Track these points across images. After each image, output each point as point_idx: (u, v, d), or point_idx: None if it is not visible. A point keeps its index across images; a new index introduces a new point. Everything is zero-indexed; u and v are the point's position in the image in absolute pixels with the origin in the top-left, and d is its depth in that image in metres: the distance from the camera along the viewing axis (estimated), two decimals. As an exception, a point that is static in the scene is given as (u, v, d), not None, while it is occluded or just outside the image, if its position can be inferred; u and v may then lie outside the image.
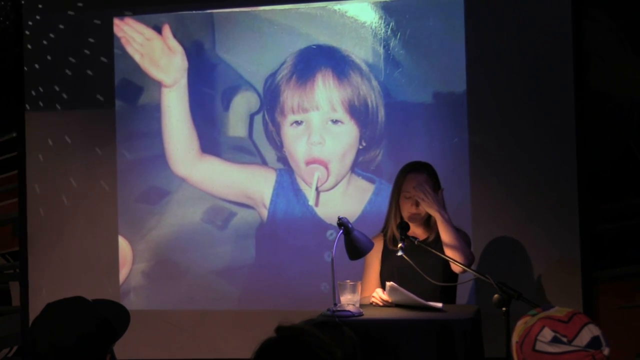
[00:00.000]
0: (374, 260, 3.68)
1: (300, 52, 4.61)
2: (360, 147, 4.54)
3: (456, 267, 3.50)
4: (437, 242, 3.62)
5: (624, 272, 4.28)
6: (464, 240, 3.57)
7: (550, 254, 4.30)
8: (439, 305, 3.33)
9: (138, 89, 4.80)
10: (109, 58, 4.83)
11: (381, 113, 4.51)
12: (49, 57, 4.91)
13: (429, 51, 4.45)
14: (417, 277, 3.43)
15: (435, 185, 3.63)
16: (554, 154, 4.30)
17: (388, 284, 3.39)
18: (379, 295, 3.45)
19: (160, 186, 4.77)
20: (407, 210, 3.60)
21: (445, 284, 3.49)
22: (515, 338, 1.86)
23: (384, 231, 3.70)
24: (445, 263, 3.56)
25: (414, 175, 3.62)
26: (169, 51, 4.76)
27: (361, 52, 4.53)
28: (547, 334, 1.80)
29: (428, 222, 3.66)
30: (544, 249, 4.30)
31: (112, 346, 2.05)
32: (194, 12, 4.75)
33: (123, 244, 4.80)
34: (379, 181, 4.50)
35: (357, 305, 3.31)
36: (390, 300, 3.41)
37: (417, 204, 3.58)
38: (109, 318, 2.03)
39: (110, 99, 4.83)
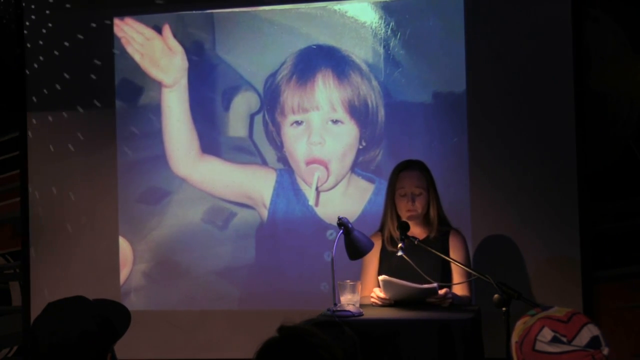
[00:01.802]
0: (372, 259, 3.68)
1: (300, 52, 4.62)
2: (360, 147, 4.54)
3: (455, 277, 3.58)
4: (437, 241, 3.62)
5: (624, 272, 4.28)
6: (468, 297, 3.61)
7: (550, 254, 4.30)
8: (435, 285, 3.35)
9: (138, 89, 4.81)
10: (109, 58, 4.83)
11: (381, 113, 4.51)
12: (49, 57, 4.91)
13: (429, 51, 4.46)
14: (417, 276, 3.43)
15: (428, 182, 3.64)
16: (554, 154, 4.30)
17: (380, 278, 3.39)
18: (376, 294, 3.46)
19: (160, 186, 4.77)
20: (403, 207, 3.61)
21: (445, 283, 3.49)
22: (514, 338, 1.87)
23: (382, 231, 3.70)
24: (445, 262, 3.57)
25: (407, 173, 3.64)
26: (169, 51, 4.76)
27: (361, 52, 4.53)
28: (547, 333, 1.80)
29: (427, 220, 3.66)
30: (544, 248, 4.30)
31: (113, 346, 2.05)
32: (194, 12, 4.75)
33: (123, 244, 4.81)
34: (379, 181, 4.50)
35: (357, 305, 3.32)
36: (387, 297, 3.41)
37: (413, 201, 3.59)
38: (110, 317, 2.03)
39: (111, 99, 4.83)
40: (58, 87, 4.90)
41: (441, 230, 3.66)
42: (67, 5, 4.89)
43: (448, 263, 3.57)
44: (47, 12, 4.91)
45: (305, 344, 1.59)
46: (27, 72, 4.94)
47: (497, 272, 3.54)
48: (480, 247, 4.33)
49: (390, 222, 3.64)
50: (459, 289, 3.55)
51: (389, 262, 3.60)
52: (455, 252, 3.62)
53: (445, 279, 3.57)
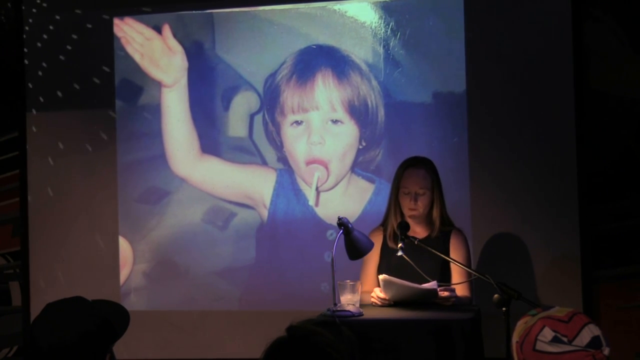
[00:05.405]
0: (372, 255, 3.66)
1: (300, 52, 4.61)
2: (360, 147, 4.54)
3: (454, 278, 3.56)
4: (438, 240, 3.62)
5: (624, 272, 4.28)
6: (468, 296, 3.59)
7: (550, 254, 4.29)
8: (434, 287, 3.34)
9: (138, 89, 4.80)
10: (109, 58, 4.83)
11: (381, 113, 4.51)
12: (48, 58, 4.91)
13: (429, 51, 4.45)
14: (416, 275, 3.43)
15: (433, 182, 3.63)
16: (554, 154, 4.30)
17: (381, 278, 3.38)
18: (376, 294, 3.46)
19: (160, 186, 4.77)
20: (406, 205, 3.61)
21: (444, 283, 3.49)
22: (515, 338, 1.87)
23: (384, 226, 3.70)
24: (444, 262, 3.56)
25: (412, 171, 3.63)
26: (169, 51, 4.76)
27: (361, 52, 4.53)
28: (548, 333, 1.80)
29: (430, 220, 3.65)
30: (544, 248, 4.30)
31: (112, 346, 2.05)
32: (194, 12, 4.75)
33: (124, 244, 4.80)
34: (379, 181, 4.50)
35: (357, 305, 3.31)
36: (387, 297, 3.41)
37: (415, 200, 3.59)
38: (109, 318, 2.03)
39: (111, 99, 4.83)
40: (57, 87, 4.90)
41: (443, 230, 3.65)
42: (67, 5, 4.88)
43: (448, 263, 3.57)
44: (47, 12, 4.91)
45: (314, 343, 1.59)
46: (27, 71, 4.93)
47: (497, 272, 3.55)
48: (479, 247, 4.33)
49: (394, 219, 3.64)
50: (459, 290, 3.53)
51: (389, 259, 3.59)
52: (455, 252, 3.62)
53: (445, 279, 3.56)
